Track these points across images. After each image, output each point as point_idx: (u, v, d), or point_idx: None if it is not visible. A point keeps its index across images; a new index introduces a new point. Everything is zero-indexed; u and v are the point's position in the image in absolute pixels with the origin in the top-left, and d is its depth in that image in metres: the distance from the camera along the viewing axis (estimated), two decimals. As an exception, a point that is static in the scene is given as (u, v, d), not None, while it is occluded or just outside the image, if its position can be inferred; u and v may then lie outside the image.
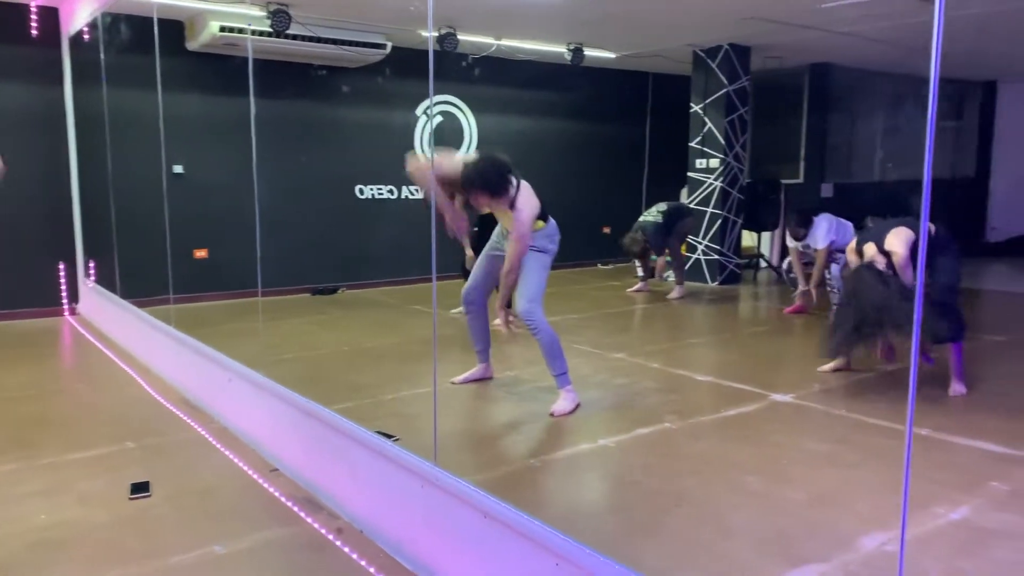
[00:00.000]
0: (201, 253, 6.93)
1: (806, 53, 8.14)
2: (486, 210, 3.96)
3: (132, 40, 6.17)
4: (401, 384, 4.28)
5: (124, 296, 5.63)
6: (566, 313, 6.35)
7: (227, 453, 3.28)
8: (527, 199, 3.67)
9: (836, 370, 4.47)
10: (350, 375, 4.50)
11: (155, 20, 5.29)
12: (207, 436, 3.50)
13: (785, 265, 6.16)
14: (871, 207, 7.55)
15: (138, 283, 6.38)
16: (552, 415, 3.68)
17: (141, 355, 4.97)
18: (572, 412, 3.72)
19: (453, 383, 4.21)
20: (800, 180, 8.97)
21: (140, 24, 6.01)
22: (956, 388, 4.02)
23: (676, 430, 3.49)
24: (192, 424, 3.67)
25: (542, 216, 3.75)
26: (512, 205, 3.65)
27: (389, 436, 3.38)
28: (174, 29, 6.60)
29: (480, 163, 3.65)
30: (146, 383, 4.40)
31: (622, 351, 5.03)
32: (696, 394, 4.10)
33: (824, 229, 5.84)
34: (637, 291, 7.40)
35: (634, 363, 4.74)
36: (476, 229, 5.44)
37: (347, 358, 4.94)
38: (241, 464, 3.15)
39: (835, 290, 6.01)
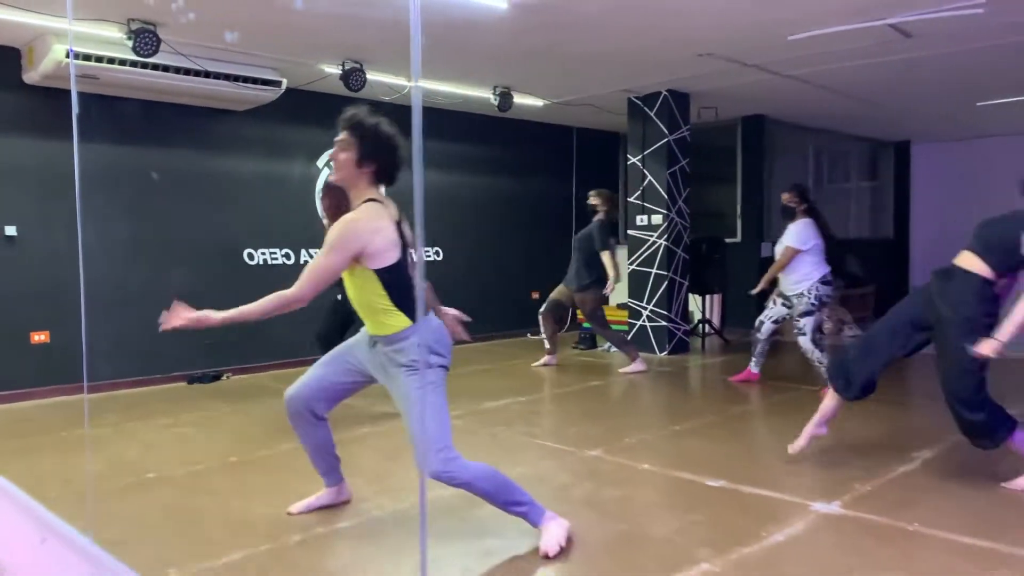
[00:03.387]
0: (40, 336, 5.44)
1: (741, 104, 7.61)
2: None
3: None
4: (311, 514, 3.06)
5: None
6: (509, 395, 5.26)
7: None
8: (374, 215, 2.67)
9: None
10: (239, 502, 3.23)
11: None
12: (0, 636, 2.16)
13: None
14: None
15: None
16: (547, 556, 2.57)
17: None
18: (566, 547, 2.63)
19: (290, 514, 3.03)
20: (738, 239, 8.37)
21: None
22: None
23: (721, 575, 2.44)
24: (-20, 611, 2.32)
25: (404, 306, 2.55)
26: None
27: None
28: (8, 57, 5.27)
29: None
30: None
31: (596, 446, 3.98)
32: (717, 509, 3.08)
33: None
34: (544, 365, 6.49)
35: (618, 464, 3.69)
36: (340, 297, 4.11)
37: (235, 475, 3.64)
38: None
39: (820, 363, 5.19)
